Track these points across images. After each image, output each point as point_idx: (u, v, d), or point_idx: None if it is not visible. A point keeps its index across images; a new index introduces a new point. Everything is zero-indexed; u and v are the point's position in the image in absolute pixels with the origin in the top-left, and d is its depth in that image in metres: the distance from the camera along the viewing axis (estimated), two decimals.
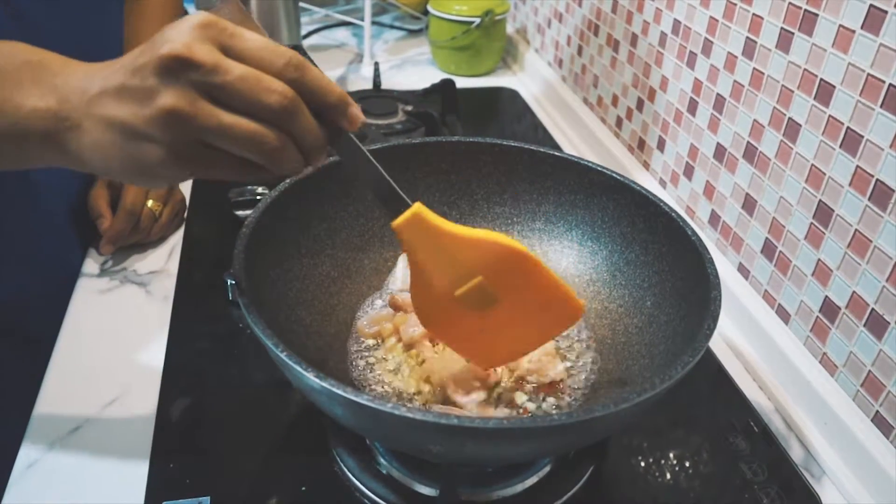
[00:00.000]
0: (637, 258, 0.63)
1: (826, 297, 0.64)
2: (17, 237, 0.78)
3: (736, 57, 0.74)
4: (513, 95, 1.27)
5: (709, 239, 0.82)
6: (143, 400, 0.65)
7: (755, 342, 0.73)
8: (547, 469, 0.59)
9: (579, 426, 0.42)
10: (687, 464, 0.61)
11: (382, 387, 0.58)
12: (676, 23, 0.84)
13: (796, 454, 0.64)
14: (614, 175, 0.64)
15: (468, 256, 0.48)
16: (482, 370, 0.57)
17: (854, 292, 0.61)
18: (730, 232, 0.78)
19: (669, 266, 0.59)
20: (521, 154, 0.68)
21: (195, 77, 0.38)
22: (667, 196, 0.90)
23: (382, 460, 0.58)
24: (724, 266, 0.79)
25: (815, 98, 0.63)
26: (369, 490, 0.56)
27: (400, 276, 0.67)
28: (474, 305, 0.50)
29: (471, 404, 0.56)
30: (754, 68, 0.71)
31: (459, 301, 0.49)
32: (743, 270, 0.76)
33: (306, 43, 1.42)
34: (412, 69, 1.35)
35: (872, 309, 0.59)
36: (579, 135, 1.12)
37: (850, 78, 0.59)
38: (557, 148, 1.09)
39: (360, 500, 0.56)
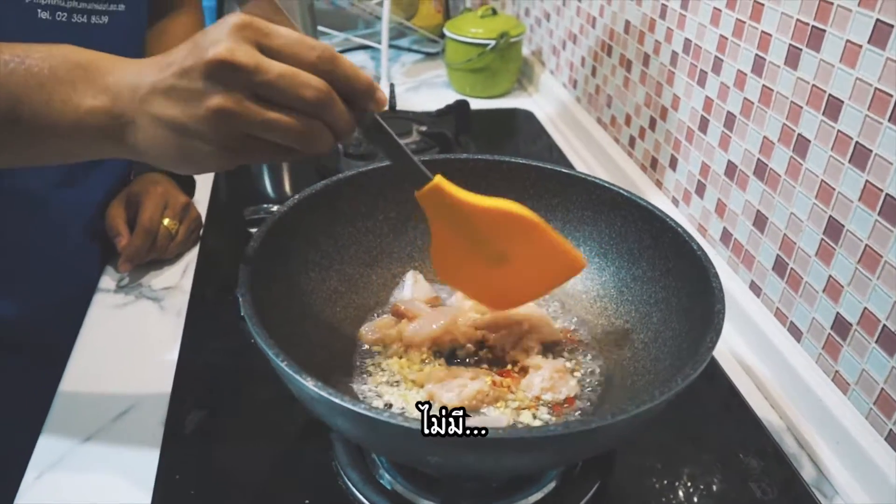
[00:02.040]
0: (644, 274, 0.63)
1: (837, 313, 0.64)
2: (35, 254, 0.79)
3: (745, 74, 0.74)
4: (528, 116, 1.27)
5: (720, 257, 0.82)
6: (153, 412, 0.66)
7: (767, 361, 0.72)
8: (553, 485, 0.58)
9: (577, 437, 0.42)
10: (696, 482, 0.60)
11: (384, 398, 0.58)
12: (687, 42, 0.84)
13: (808, 474, 0.63)
14: (621, 191, 0.64)
15: (482, 222, 0.54)
16: (492, 386, 0.57)
17: (865, 308, 0.60)
18: (741, 250, 0.77)
19: (676, 281, 0.59)
20: (528, 171, 0.68)
21: (239, 79, 0.42)
22: (679, 214, 0.90)
23: (386, 475, 0.57)
24: (736, 284, 0.78)
25: (823, 113, 0.63)
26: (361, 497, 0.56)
27: (408, 290, 0.67)
28: (487, 262, 0.56)
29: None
30: (764, 85, 0.71)
31: (474, 258, 0.56)
32: (755, 288, 0.76)
33: None
34: (428, 91, 1.37)
35: (884, 325, 0.58)
36: (593, 155, 1.12)
37: (857, 93, 0.59)
38: (571, 168, 1.09)
39: None
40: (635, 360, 0.59)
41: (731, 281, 0.78)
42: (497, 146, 1.18)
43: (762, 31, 0.70)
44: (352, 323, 0.64)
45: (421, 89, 1.38)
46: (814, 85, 0.64)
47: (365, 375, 0.60)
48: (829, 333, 0.65)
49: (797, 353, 0.69)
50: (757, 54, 0.72)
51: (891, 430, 0.59)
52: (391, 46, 1.53)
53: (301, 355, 0.57)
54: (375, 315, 0.66)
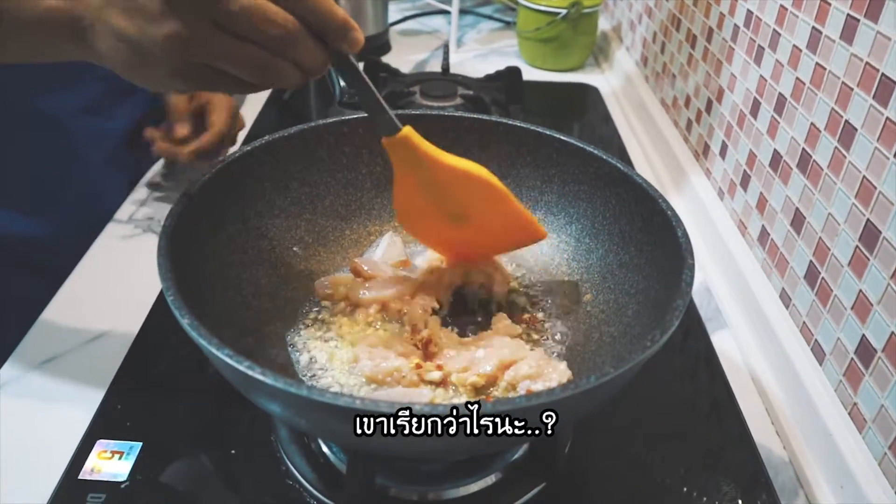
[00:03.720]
0: (631, 261, 0.55)
1: (863, 336, 0.54)
2: (57, 180, 0.81)
3: (801, 50, 0.64)
4: (593, 93, 1.19)
5: (756, 260, 0.72)
6: (121, 344, 0.65)
7: (783, 381, 0.63)
8: (495, 477, 0.53)
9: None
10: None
11: (311, 353, 0.54)
12: (749, 14, 0.74)
13: None
14: (618, 165, 0.57)
15: (446, 179, 0.52)
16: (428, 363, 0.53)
17: (893, 333, 0.50)
18: (776, 252, 0.67)
19: (657, 272, 0.51)
20: (526, 135, 0.62)
21: (199, 6, 0.39)
22: (723, 209, 0.80)
23: (323, 446, 0.54)
24: (767, 292, 0.68)
25: (874, 97, 0.53)
26: (294, 466, 0.53)
27: (380, 251, 0.63)
28: (448, 219, 0.55)
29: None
30: (817, 63, 0.61)
31: (435, 213, 0.55)
32: (785, 298, 0.66)
33: (397, 28, 1.41)
34: (497, 59, 1.30)
35: None
36: (650, 138, 1.03)
37: None
38: (623, 150, 1.01)
39: (285, 473, 0.53)
40: (598, 353, 0.52)
41: (763, 287, 0.69)
42: (549, 119, 1.11)
43: (822, 0, 0.60)
44: (313, 276, 0.61)
45: (490, 57, 1.32)
46: (867, 63, 0.54)
47: (302, 327, 0.56)
48: (852, 358, 0.55)
49: (816, 377, 0.59)
50: (814, 27, 0.61)
51: None
52: (470, 13, 1.48)
53: (238, 300, 0.55)
54: (343, 272, 0.62)
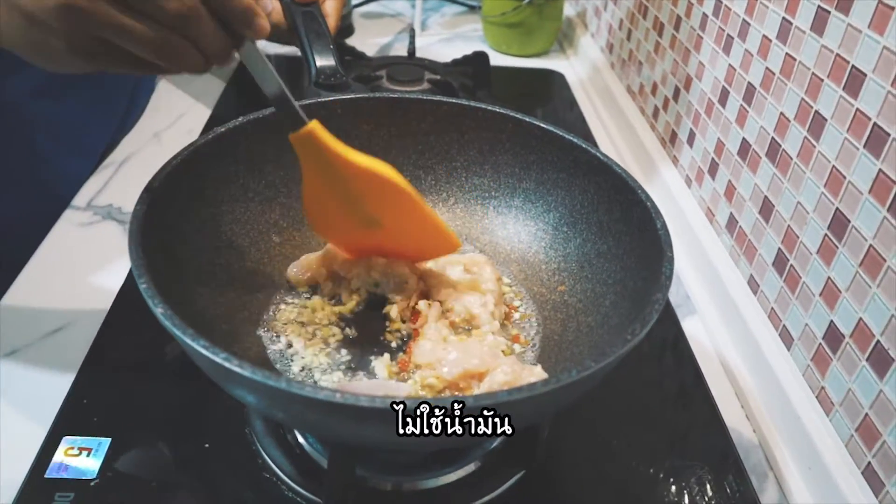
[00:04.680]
0: (609, 250, 0.56)
1: (831, 322, 0.55)
2: (8, 165, 0.78)
3: (770, 41, 0.65)
4: (559, 79, 1.19)
5: (724, 246, 0.73)
6: (84, 335, 0.63)
7: (752, 366, 0.64)
8: (474, 465, 0.53)
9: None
10: (633, 490, 0.53)
11: (288, 337, 0.54)
12: (718, 3, 0.75)
13: (769, 497, 0.55)
14: (597, 154, 0.57)
15: (354, 179, 0.50)
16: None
17: (861, 319, 0.52)
18: (745, 240, 0.69)
19: (636, 262, 0.52)
20: (505, 122, 0.62)
21: None
22: (690, 197, 0.81)
23: (299, 436, 0.53)
24: (735, 278, 0.70)
25: (844, 88, 0.54)
26: (270, 458, 0.52)
27: None
28: (358, 223, 0.53)
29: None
30: (787, 54, 0.62)
31: (346, 216, 0.53)
32: (753, 284, 0.67)
33: (360, 11, 1.39)
34: (461, 44, 1.29)
35: (878, 341, 0.50)
36: (616, 124, 1.03)
37: (883, 64, 0.50)
38: (589, 136, 1.02)
39: (262, 466, 0.52)
40: (576, 343, 0.52)
41: (731, 273, 0.70)
42: (515, 105, 1.10)
43: None
44: (287, 261, 0.60)
45: (454, 41, 1.31)
46: (838, 54, 0.55)
47: (277, 311, 0.55)
48: (821, 344, 0.57)
49: (785, 362, 0.61)
50: (784, 18, 0.62)
51: (869, 462, 0.51)
52: None
53: (213, 286, 0.54)
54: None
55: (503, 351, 0.52)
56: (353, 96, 0.61)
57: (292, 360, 0.53)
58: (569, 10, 1.35)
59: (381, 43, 1.28)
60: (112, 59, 0.42)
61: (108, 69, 0.43)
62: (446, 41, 1.31)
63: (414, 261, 0.58)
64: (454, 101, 0.62)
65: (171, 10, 0.39)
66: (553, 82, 1.19)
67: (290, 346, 0.54)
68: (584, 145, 0.58)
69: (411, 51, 1.09)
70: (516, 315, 0.58)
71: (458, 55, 1.08)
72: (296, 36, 0.87)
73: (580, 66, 1.23)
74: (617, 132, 1.02)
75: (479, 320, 0.53)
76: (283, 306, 0.56)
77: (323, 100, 0.60)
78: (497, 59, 1.22)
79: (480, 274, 0.56)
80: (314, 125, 0.48)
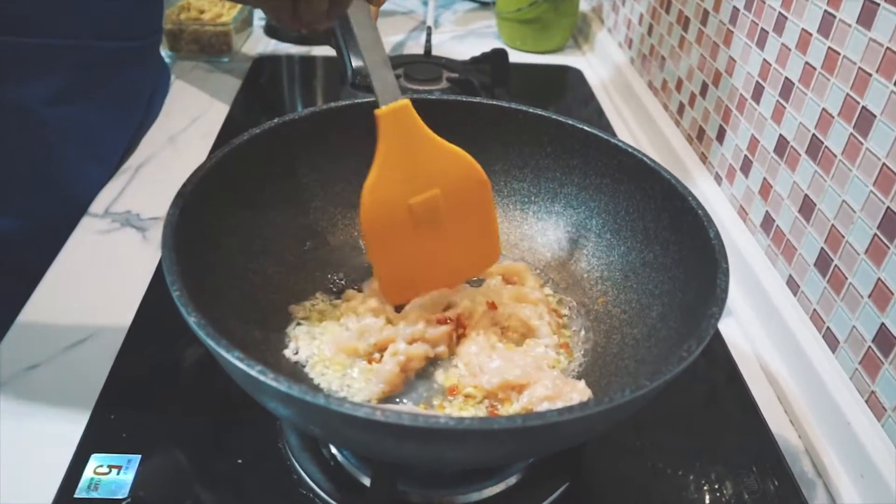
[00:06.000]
0: (655, 259, 0.54)
1: (882, 324, 0.53)
2: (27, 172, 0.76)
3: (811, 35, 0.63)
4: (576, 75, 1.17)
5: (759, 246, 0.71)
6: (107, 347, 0.61)
7: (794, 369, 0.62)
8: (515, 478, 0.51)
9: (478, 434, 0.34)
10: (680, 501, 0.52)
11: (322, 346, 0.52)
12: None
13: None
14: (644, 158, 0.55)
15: (436, 164, 0.50)
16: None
17: None
18: (782, 239, 0.67)
19: (685, 273, 0.50)
20: (547, 124, 0.60)
21: None
22: (721, 194, 0.80)
23: (332, 447, 0.52)
24: (773, 278, 0.68)
25: (895, 83, 0.52)
26: (306, 473, 0.51)
27: None
28: (420, 219, 0.51)
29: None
30: (829, 48, 0.60)
31: (408, 212, 0.51)
32: (792, 285, 0.65)
33: None
34: (475, 41, 1.27)
35: None
36: (639, 122, 1.01)
37: None
38: (612, 133, 0.99)
39: (297, 482, 0.51)
40: (621, 357, 0.50)
41: (768, 274, 0.68)
42: (534, 103, 1.08)
43: None
44: (321, 265, 0.58)
45: (467, 38, 1.29)
46: (888, 48, 0.53)
47: (309, 317, 0.54)
48: (870, 347, 0.55)
49: (830, 364, 0.59)
50: (826, 11, 0.60)
51: None
52: None
53: (248, 292, 0.52)
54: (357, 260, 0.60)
55: (552, 364, 0.51)
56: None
57: (328, 369, 0.52)
58: (583, 6, 1.33)
59: (395, 41, 1.26)
60: None
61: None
62: (460, 38, 1.29)
63: (454, 280, 0.55)
64: (493, 102, 0.60)
65: None
66: (570, 79, 1.17)
67: (317, 354, 0.52)
68: (630, 149, 0.56)
69: (428, 49, 1.07)
70: (564, 321, 0.56)
71: (473, 52, 1.07)
72: (332, 36, 0.85)
73: (598, 63, 1.21)
74: (639, 128, 1.01)
75: (538, 332, 0.51)
76: (317, 311, 0.55)
77: (358, 101, 0.58)
78: (513, 56, 1.20)
79: (522, 283, 0.54)
80: (407, 102, 0.48)
